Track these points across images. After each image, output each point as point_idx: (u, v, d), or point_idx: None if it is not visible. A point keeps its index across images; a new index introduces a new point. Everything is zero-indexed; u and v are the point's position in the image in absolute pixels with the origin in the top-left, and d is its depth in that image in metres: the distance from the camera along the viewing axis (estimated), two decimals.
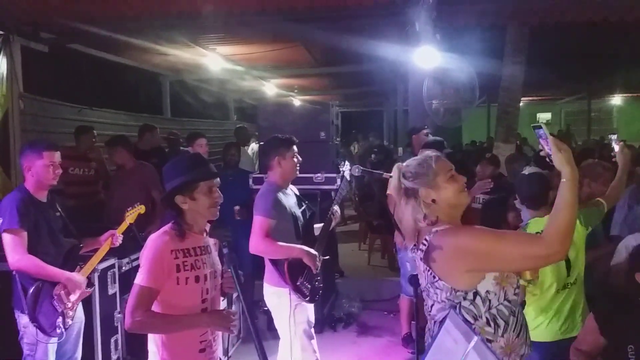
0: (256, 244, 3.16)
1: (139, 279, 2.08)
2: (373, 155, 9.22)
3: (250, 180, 5.03)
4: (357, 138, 15.60)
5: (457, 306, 1.87)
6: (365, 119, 19.79)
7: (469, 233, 1.88)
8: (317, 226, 3.52)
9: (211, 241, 2.29)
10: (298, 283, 3.19)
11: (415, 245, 1.99)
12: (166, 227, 2.18)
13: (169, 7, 5.43)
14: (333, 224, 3.51)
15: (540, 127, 1.83)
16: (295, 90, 12.97)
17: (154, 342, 2.16)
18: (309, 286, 3.25)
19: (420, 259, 1.95)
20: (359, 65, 8.79)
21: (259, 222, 3.16)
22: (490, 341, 1.86)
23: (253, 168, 6.69)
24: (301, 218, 3.38)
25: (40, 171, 2.96)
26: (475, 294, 1.85)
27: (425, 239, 1.91)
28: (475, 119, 15.56)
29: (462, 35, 6.39)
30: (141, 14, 5.57)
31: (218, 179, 2.21)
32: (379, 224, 6.86)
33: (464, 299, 1.86)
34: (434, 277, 1.89)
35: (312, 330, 3.37)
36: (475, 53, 6.29)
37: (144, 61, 8.07)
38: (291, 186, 3.51)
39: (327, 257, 3.43)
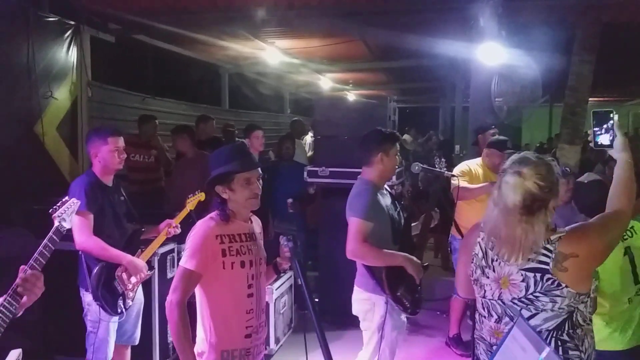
0: (354, 249, 2.86)
1: (183, 261, 2.13)
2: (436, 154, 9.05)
3: (305, 173, 5.04)
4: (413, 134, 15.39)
5: (575, 310, 1.83)
6: (420, 115, 19.48)
7: (596, 233, 1.87)
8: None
9: (257, 229, 2.31)
10: (398, 294, 2.93)
11: (515, 257, 1.84)
12: (212, 214, 2.22)
13: (231, 0, 5.52)
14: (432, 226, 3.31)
15: (610, 112, 1.94)
16: (350, 84, 12.92)
17: (202, 327, 2.19)
18: (410, 297, 2.97)
19: (540, 270, 1.82)
20: (418, 60, 8.64)
21: (356, 224, 2.88)
22: (593, 338, 1.93)
23: (307, 161, 6.72)
24: (399, 221, 3.10)
25: (106, 156, 3.08)
26: (588, 294, 1.87)
27: (548, 249, 1.81)
28: (536, 118, 15.02)
29: (526, 31, 6.16)
30: (204, 7, 5.69)
31: (259, 170, 2.22)
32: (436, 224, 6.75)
33: (583, 302, 1.86)
34: (559, 284, 1.80)
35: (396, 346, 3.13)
36: (539, 50, 6.05)
37: (205, 54, 8.25)
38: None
39: (427, 264, 3.14)
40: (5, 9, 4.62)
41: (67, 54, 5.52)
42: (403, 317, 3.07)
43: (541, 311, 1.84)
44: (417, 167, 3.21)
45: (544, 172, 1.83)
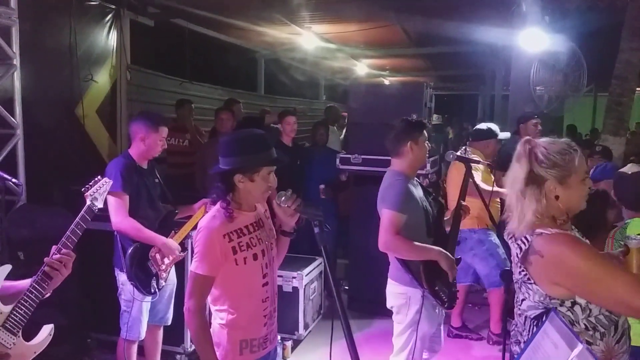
0: (387, 242, 2.79)
1: (194, 267, 2.06)
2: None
3: (337, 160, 5.02)
4: (451, 122, 15.11)
5: (554, 309, 1.74)
6: (458, 103, 19.12)
7: (575, 249, 1.69)
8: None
9: (261, 210, 2.24)
10: (436, 288, 2.86)
11: (513, 235, 1.85)
12: (214, 211, 2.12)
13: None
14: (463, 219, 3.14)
15: None
16: (387, 71, 12.76)
17: (217, 318, 2.15)
18: (447, 291, 2.90)
19: (517, 255, 1.82)
20: (457, 47, 8.45)
21: (388, 216, 2.80)
22: (590, 343, 1.75)
23: (340, 147, 6.68)
24: (432, 212, 3.01)
25: (152, 143, 3.14)
26: (574, 303, 1.74)
27: (527, 238, 1.77)
28: (579, 108, 14.46)
29: (572, 17, 5.92)
30: None
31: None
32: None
33: (561, 305, 1.75)
34: (529, 278, 1.79)
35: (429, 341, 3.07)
36: (585, 37, 5.82)
37: (242, 39, 8.28)
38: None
39: (460, 257, 3.05)
40: None
41: (107, 38, 5.63)
42: (438, 310, 3.01)
43: (526, 298, 1.82)
44: (451, 156, 3.11)
45: (553, 149, 1.76)
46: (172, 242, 3.12)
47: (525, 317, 1.85)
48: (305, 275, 4.28)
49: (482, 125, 4.47)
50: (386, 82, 12.78)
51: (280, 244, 2.29)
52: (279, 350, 3.97)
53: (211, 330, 2.15)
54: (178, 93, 6.67)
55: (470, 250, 4.25)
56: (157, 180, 3.30)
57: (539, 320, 1.82)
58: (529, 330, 1.86)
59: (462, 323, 4.67)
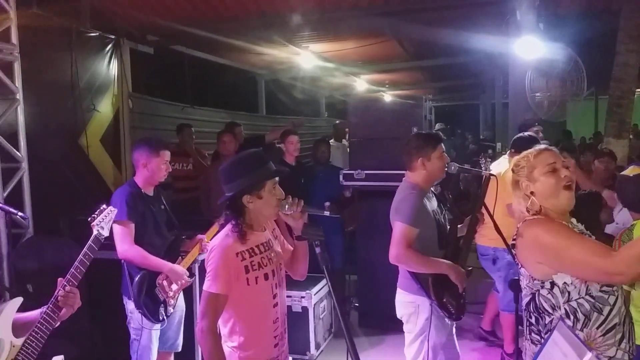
0: (398, 255, 2.82)
1: (207, 285, 2.06)
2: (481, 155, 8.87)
3: (341, 177, 5.03)
4: (454, 133, 15.12)
5: (537, 293, 1.89)
6: (460, 114, 19.15)
7: (547, 227, 1.87)
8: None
9: (270, 231, 2.27)
10: (444, 299, 2.87)
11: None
12: (227, 230, 2.14)
13: (263, 7, 5.58)
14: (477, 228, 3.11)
15: None
16: (387, 85, 12.84)
17: (229, 341, 2.14)
18: (455, 303, 2.91)
19: (513, 244, 2.02)
20: (454, 58, 8.52)
21: (400, 229, 2.83)
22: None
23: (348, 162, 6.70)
24: (445, 224, 3.04)
25: (155, 168, 3.14)
26: (553, 284, 1.85)
27: (517, 227, 1.98)
28: (581, 112, 14.47)
29: (567, 23, 5.96)
30: (237, 14, 5.77)
31: (277, 177, 2.17)
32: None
33: (542, 287, 1.88)
34: (517, 263, 1.99)
35: (441, 351, 3.07)
36: (581, 42, 5.85)
37: (242, 61, 8.38)
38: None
39: (471, 268, 3.07)
40: (48, 27, 4.80)
41: (108, 67, 5.71)
42: (447, 320, 2.99)
43: (522, 286, 2.00)
44: (453, 167, 3.09)
45: (520, 157, 2.04)
46: (180, 268, 3.11)
47: (523, 309, 2.01)
48: (314, 294, 4.26)
49: (524, 134, 4.32)
50: (387, 97, 12.87)
51: (299, 250, 2.31)
52: None
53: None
54: (180, 118, 6.73)
55: (497, 271, 4.23)
56: (163, 207, 3.30)
57: (527, 310, 1.96)
58: (525, 324, 2.00)
59: (492, 328, 4.66)
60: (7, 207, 3.14)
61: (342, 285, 5.54)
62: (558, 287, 1.83)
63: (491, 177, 3.07)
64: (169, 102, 6.99)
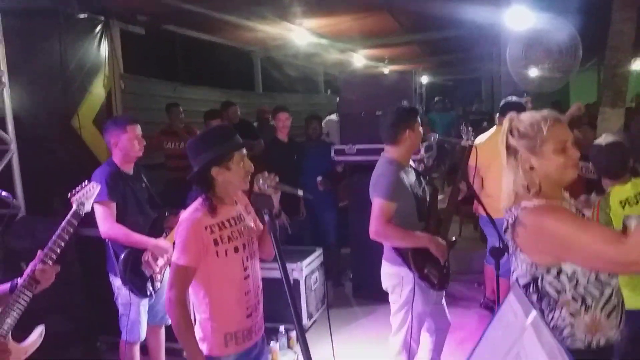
0: (377, 231, 2.87)
1: (175, 257, 2.10)
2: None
3: (332, 152, 5.06)
4: (454, 106, 15.04)
5: (540, 278, 1.80)
6: (461, 87, 18.99)
7: (555, 216, 1.73)
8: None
9: (242, 208, 2.30)
10: (425, 271, 2.94)
11: (508, 209, 1.89)
12: (196, 204, 2.17)
13: None
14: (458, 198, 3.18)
15: None
16: (386, 61, 12.71)
17: (201, 313, 2.19)
18: (437, 274, 2.97)
19: (506, 228, 1.90)
20: (450, 30, 8.41)
21: (379, 205, 2.88)
22: (573, 315, 1.78)
23: None
24: (424, 197, 3.09)
25: (126, 145, 3.13)
26: (560, 271, 1.77)
27: (513, 211, 1.85)
28: (584, 83, 14.33)
29: None
30: None
31: (245, 150, 2.19)
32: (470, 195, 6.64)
33: (547, 273, 1.79)
34: (517, 248, 1.85)
35: (427, 320, 3.17)
36: (574, 11, 5.75)
37: (235, 38, 8.31)
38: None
39: (455, 239, 3.16)
40: (36, 10, 4.81)
41: (98, 49, 5.70)
42: (432, 290, 3.05)
43: (517, 268, 1.88)
44: (432, 138, 3.13)
45: (525, 122, 1.82)
46: (164, 242, 3.14)
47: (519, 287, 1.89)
48: (305, 267, 4.33)
49: (511, 99, 4.40)
50: (385, 71, 12.76)
51: (266, 230, 2.32)
52: (284, 340, 4.03)
53: (196, 325, 2.19)
54: (174, 98, 6.73)
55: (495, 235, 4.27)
56: (144, 185, 3.31)
57: (527, 289, 1.87)
58: None
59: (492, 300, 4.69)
60: None
61: (338, 258, 5.61)
62: (566, 274, 1.75)
63: (470, 147, 3.09)
64: (161, 81, 6.99)
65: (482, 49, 10.97)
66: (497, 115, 4.36)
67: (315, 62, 11.51)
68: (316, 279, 4.64)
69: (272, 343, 3.86)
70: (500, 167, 3.99)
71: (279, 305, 4.20)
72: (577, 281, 1.76)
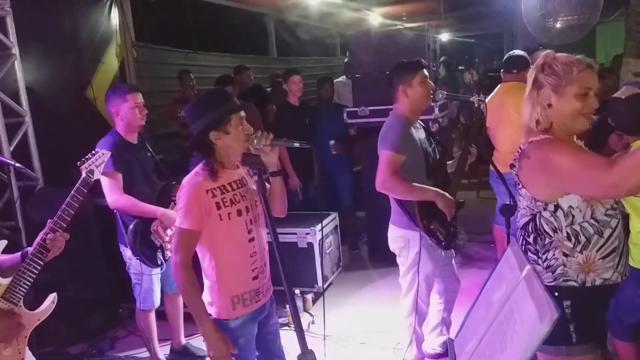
0: (384, 181, 2.80)
1: (179, 222, 2.10)
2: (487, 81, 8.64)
3: (345, 115, 5.00)
4: (474, 65, 14.67)
5: (538, 215, 1.85)
6: (483, 44, 18.47)
7: (554, 147, 1.78)
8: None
9: (244, 171, 2.28)
10: (432, 227, 2.88)
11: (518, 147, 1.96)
12: (197, 169, 2.16)
13: None
14: (469, 162, 3.10)
15: None
16: (404, 18, 12.36)
17: (207, 277, 2.21)
18: (444, 231, 2.90)
19: (512, 165, 1.96)
20: None
21: (386, 157, 2.81)
22: (567, 255, 1.82)
23: None
24: (434, 156, 3.04)
25: (127, 114, 3.11)
26: (557, 207, 1.81)
27: (521, 147, 1.91)
28: (611, 33, 13.78)
29: None
30: None
31: (244, 112, 2.16)
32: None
33: (544, 209, 1.83)
34: (518, 183, 1.92)
35: (436, 280, 3.17)
36: None
37: (246, 2, 8.17)
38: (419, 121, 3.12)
39: (463, 200, 3.05)
40: None
41: (109, 18, 5.67)
42: (441, 251, 3.03)
43: (520, 208, 1.95)
44: (440, 95, 3.03)
45: (560, 60, 1.83)
46: (172, 212, 3.11)
47: (517, 227, 1.99)
48: (319, 231, 4.35)
49: (514, 53, 4.28)
50: (398, 29, 12.40)
51: (274, 187, 2.29)
52: (300, 303, 4.10)
53: (205, 290, 2.22)
54: (186, 64, 6.71)
55: (504, 193, 4.21)
56: (149, 154, 3.29)
57: (525, 229, 1.92)
58: (520, 243, 1.96)
59: None
60: (3, 159, 3.25)
61: (353, 221, 5.62)
62: (562, 210, 1.80)
63: (480, 103, 3.01)
64: (173, 49, 6.95)
65: (504, 2, 10.59)
66: (502, 71, 4.25)
67: (330, 23, 11.26)
68: (331, 242, 4.67)
69: (287, 306, 3.92)
70: (509, 123, 3.94)
71: (293, 270, 4.30)
72: (573, 217, 1.79)
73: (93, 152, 2.46)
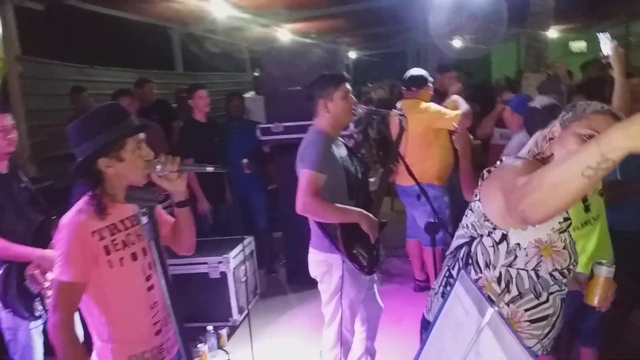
0: (305, 203, 2.59)
1: (57, 273, 1.72)
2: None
3: (258, 131, 4.75)
4: (380, 82, 15.02)
5: (477, 240, 1.63)
6: (389, 62, 19.00)
7: (517, 160, 1.63)
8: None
9: None
10: (354, 251, 2.70)
11: None
12: (80, 204, 1.78)
13: None
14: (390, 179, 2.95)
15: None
16: (313, 36, 12.40)
17: (98, 336, 1.83)
18: (366, 255, 2.74)
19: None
20: (374, 1, 8.22)
21: (307, 176, 2.61)
22: (491, 301, 1.57)
23: None
24: (355, 174, 2.87)
25: None
26: (504, 237, 1.57)
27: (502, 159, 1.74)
28: (505, 53, 14.71)
29: None
30: None
31: (143, 134, 1.82)
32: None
33: (488, 235, 1.60)
34: (476, 195, 1.66)
35: (359, 306, 2.96)
36: None
37: (147, 13, 7.70)
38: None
39: (385, 221, 2.88)
40: None
41: None
42: (363, 275, 2.85)
43: (463, 224, 1.73)
44: (360, 110, 2.90)
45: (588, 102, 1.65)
46: (52, 253, 2.53)
47: (450, 251, 1.78)
48: (233, 258, 4.03)
49: (413, 72, 4.40)
50: (308, 43, 12.43)
51: (181, 219, 1.94)
52: (213, 340, 3.75)
53: (94, 351, 1.84)
54: (81, 81, 6.14)
55: (421, 206, 4.12)
56: (22, 185, 2.76)
57: (454, 255, 1.72)
58: (442, 276, 1.77)
59: (427, 276, 4.62)
60: None
61: (270, 243, 5.35)
62: (508, 244, 1.58)
63: (400, 117, 2.91)
64: (66, 63, 6.34)
65: (409, 20, 10.91)
66: (403, 89, 4.38)
67: (239, 39, 11.02)
68: (246, 270, 4.35)
69: (199, 345, 3.56)
70: (420, 137, 3.93)
71: (205, 303, 3.94)
72: (514, 259, 1.58)
73: None
